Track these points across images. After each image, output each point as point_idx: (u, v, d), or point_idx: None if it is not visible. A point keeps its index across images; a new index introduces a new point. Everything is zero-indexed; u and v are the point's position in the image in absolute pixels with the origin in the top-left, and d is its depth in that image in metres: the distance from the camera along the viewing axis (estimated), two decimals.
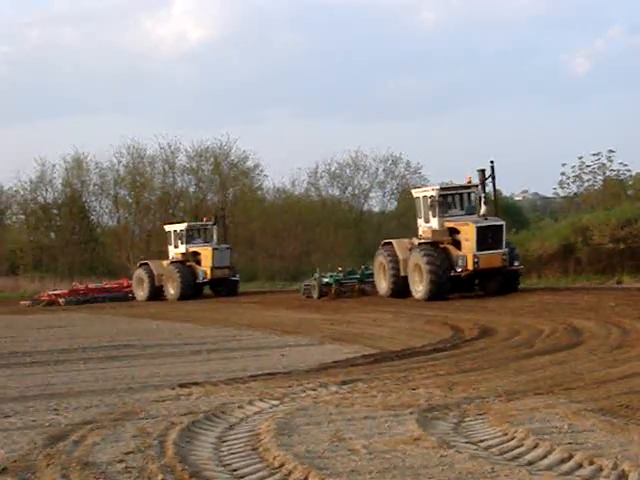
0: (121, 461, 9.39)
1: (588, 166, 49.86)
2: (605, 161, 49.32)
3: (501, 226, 30.15)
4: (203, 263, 42.06)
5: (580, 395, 11.97)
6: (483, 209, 30.42)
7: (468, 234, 29.92)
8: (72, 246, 59.52)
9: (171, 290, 41.88)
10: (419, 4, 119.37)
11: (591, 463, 8.45)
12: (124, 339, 23.59)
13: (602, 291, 29.93)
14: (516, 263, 30.50)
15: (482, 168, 30.46)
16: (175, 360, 18.58)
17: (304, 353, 18.90)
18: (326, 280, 35.09)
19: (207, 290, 43.76)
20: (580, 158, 50.13)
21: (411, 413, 11.18)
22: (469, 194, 31.90)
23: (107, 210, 62.23)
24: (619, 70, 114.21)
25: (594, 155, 49.49)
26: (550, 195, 61.83)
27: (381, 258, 32.57)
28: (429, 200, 31.39)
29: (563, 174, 51.02)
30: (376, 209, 64.46)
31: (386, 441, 9.75)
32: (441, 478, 8.23)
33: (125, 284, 45.88)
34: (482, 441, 9.65)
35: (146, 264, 43.83)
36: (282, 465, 8.87)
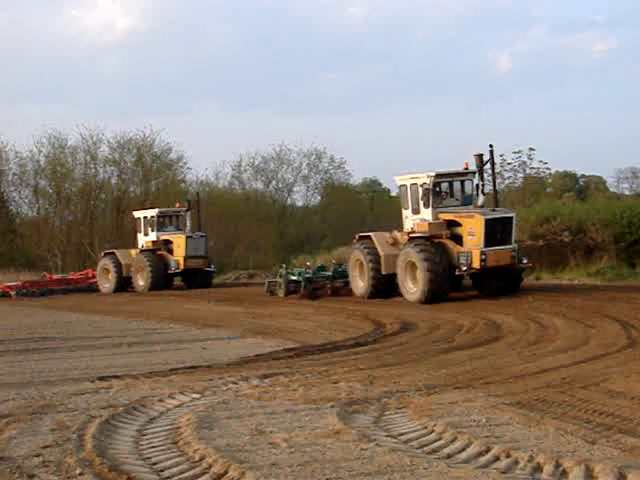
0: (38, 455, 9.27)
1: (509, 163, 50.65)
2: (526, 159, 50.17)
3: (511, 218, 26.40)
4: (176, 252, 39.49)
5: (498, 389, 12.16)
6: (481, 199, 27.03)
7: (474, 227, 26.04)
8: None
9: (140, 281, 39.33)
10: (348, 0, 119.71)
11: (508, 456, 8.60)
12: (43, 331, 23.25)
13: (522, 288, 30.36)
14: (525, 260, 26.90)
15: (480, 152, 26.80)
16: (95, 353, 18.38)
17: (226, 346, 18.85)
18: (294, 277, 31.58)
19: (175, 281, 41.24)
20: (501, 156, 50.86)
21: (332, 407, 11.24)
22: (463, 182, 28.16)
23: (26, 201, 61.16)
24: (541, 69, 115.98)
25: (515, 153, 50.28)
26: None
27: (358, 254, 28.75)
28: (421, 189, 27.36)
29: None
30: (300, 203, 64.70)
31: (307, 435, 9.79)
32: (361, 471, 8.29)
33: (90, 274, 43.08)
34: (402, 434, 9.74)
35: (112, 253, 41.09)
36: (202, 458, 8.85)
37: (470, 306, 24.58)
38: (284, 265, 33.49)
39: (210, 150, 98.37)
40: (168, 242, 40.10)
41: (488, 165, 26.68)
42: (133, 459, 9.04)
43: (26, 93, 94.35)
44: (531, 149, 49.70)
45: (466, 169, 27.69)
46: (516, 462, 8.42)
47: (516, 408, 10.81)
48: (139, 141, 60.11)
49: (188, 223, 40.31)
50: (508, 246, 26.03)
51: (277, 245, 55.69)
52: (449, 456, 8.78)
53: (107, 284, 40.78)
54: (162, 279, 39.30)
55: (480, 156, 26.66)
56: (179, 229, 40.80)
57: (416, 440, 9.46)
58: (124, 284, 40.28)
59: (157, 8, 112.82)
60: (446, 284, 26.24)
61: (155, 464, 8.84)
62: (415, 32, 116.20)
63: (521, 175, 50.89)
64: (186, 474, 8.47)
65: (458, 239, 26.53)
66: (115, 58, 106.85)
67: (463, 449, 8.99)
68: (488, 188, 28.08)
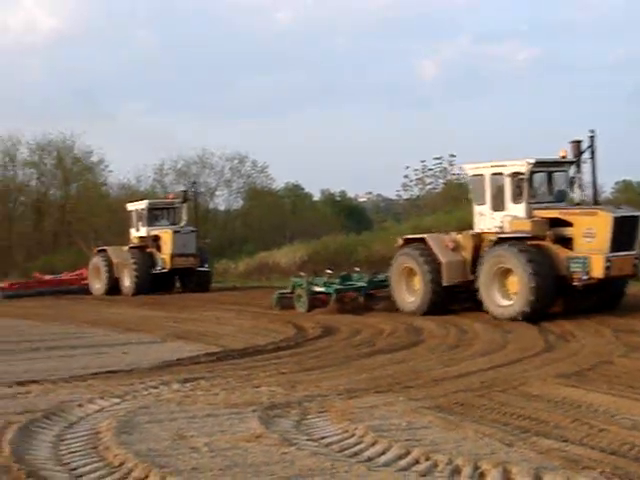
0: None
1: (430, 169, 51.19)
2: (446, 165, 50.75)
3: (637, 218, 21.63)
4: (163, 249, 36.25)
5: (418, 393, 12.26)
6: (578, 194, 23.05)
7: (596, 227, 21.17)
8: None
9: (126, 281, 36.32)
10: (274, 5, 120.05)
11: (427, 459, 8.68)
12: None
13: None
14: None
15: (578, 139, 22.48)
16: (11, 358, 18.08)
17: (146, 351, 18.70)
18: (319, 289, 26.11)
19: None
20: (423, 162, 51.36)
21: (253, 411, 11.22)
22: (553, 174, 23.27)
23: None
24: (465, 78, 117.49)
25: (436, 159, 50.80)
26: (393, 197, 63.12)
27: (406, 260, 23.96)
28: (509, 179, 22.58)
29: (406, 177, 52.20)
30: (222, 207, 64.42)
31: (228, 439, 9.76)
32: (282, 475, 8.30)
33: (84, 275, 39.23)
34: (323, 438, 9.77)
35: (104, 250, 37.70)
36: (122, 464, 8.77)
37: (393, 311, 24.44)
38: (303, 274, 27.72)
39: (132, 153, 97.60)
40: (157, 238, 36.77)
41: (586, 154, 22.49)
42: (52, 464, 8.92)
43: None
44: (452, 155, 50.28)
45: (564, 157, 22.83)
46: (435, 465, 8.50)
47: (436, 412, 10.91)
48: (59, 143, 59.28)
49: (184, 217, 37.12)
50: (632, 252, 21.49)
51: None
52: (369, 459, 8.83)
53: (98, 285, 37.62)
54: (148, 279, 36.19)
55: (578, 143, 22.52)
56: (174, 223, 37.53)
57: (337, 444, 9.49)
58: (116, 285, 36.93)
59: (83, 9, 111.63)
60: (552, 296, 21.61)
61: (74, 469, 8.73)
62: (337, 38, 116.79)
63: (442, 181, 51.54)
64: (106, 479, 8.39)
65: (564, 242, 21.85)
66: (37, 59, 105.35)
67: (383, 452, 9.05)
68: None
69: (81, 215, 57.28)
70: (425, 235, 24.34)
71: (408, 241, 24.48)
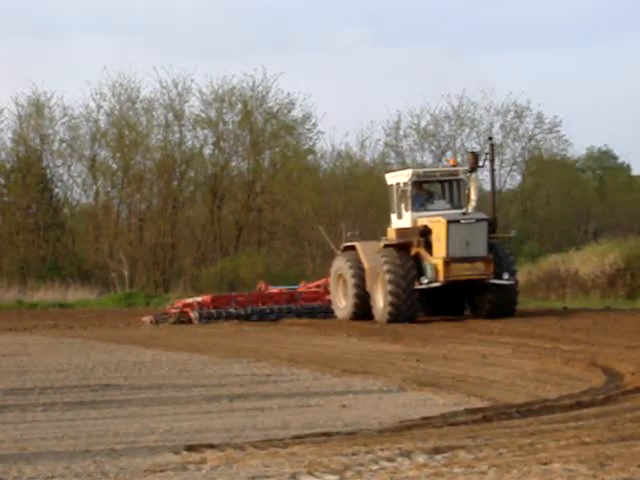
0: None
1: None
2: None
3: None
4: (434, 249, 34.99)
5: None
6: None
7: None
8: (25, 233, 59.65)
9: (379, 300, 35.21)
10: None
11: None
12: (103, 376, 23.74)
13: None
14: None
15: None
16: (180, 410, 18.68)
17: (376, 404, 18.93)
18: None
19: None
20: None
21: None
22: None
23: (79, 180, 62.41)
24: None
25: None
26: None
27: None
28: None
29: None
30: (488, 186, 64.28)
31: None
32: None
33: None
34: None
35: (352, 248, 37.01)
36: None
37: None
38: None
39: (355, 105, 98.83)
40: (426, 231, 35.45)
41: None
42: None
43: (81, 21, 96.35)
44: None
45: None
46: None
47: None
48: (246, 91, 60.47)
49: (473, 195, 35.67)
50: None
51: None
52: None
53: (343, 302, 37.23)
54: (413, 298, 34.79)
55: None
56: (459, 207, 36.22)
57: None
58: (369, 304, 36.14)
59: None
60: None
61: None
62: None
63: None
64: None
65: None
66: None
67: None
68: None
69: (277, 197, 58.27)
70: None
71: None
